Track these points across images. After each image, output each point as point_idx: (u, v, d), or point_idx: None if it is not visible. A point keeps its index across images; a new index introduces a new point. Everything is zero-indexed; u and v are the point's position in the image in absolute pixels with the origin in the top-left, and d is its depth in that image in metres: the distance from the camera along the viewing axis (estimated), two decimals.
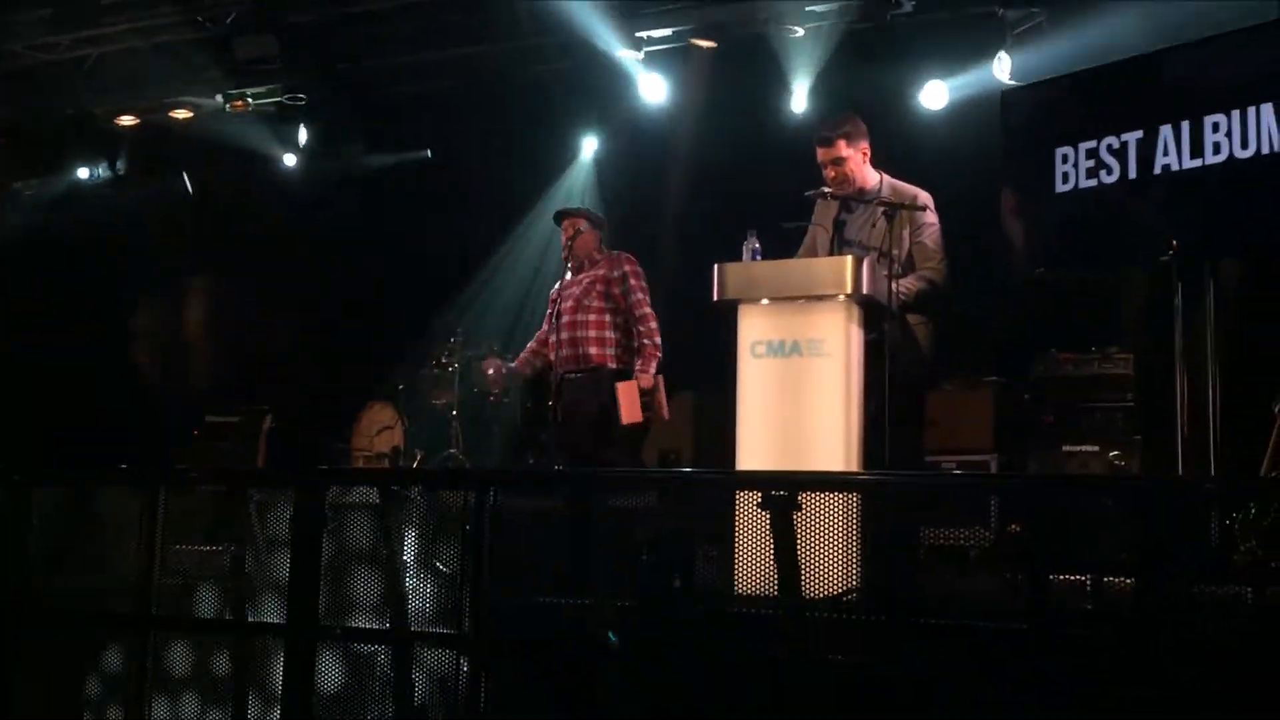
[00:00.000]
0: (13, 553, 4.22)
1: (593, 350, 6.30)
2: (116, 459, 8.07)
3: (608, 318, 6.34)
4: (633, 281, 6.36)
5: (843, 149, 5.32)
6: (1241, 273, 5.69)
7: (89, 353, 9.59)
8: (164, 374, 9.99)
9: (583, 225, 6.53)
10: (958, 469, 6.89)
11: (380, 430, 8.37)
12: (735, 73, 7.90)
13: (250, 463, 8.27)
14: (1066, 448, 6.80)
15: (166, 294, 9.95)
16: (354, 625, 3.88)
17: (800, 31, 7.58)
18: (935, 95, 7.66)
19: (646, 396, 6.20)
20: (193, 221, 9.78)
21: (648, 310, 6.34)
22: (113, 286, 9.70)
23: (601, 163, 8.65)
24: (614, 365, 6.31)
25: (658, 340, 6.30)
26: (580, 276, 6.46)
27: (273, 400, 8.78)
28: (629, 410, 6.13)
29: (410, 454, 8.20)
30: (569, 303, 6.34)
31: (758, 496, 3.68)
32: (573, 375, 6.31)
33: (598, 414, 6.21)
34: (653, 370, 6.24)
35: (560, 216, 6.72)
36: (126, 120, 9.14)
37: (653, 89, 8.09)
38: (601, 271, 6.42)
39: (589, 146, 8.97)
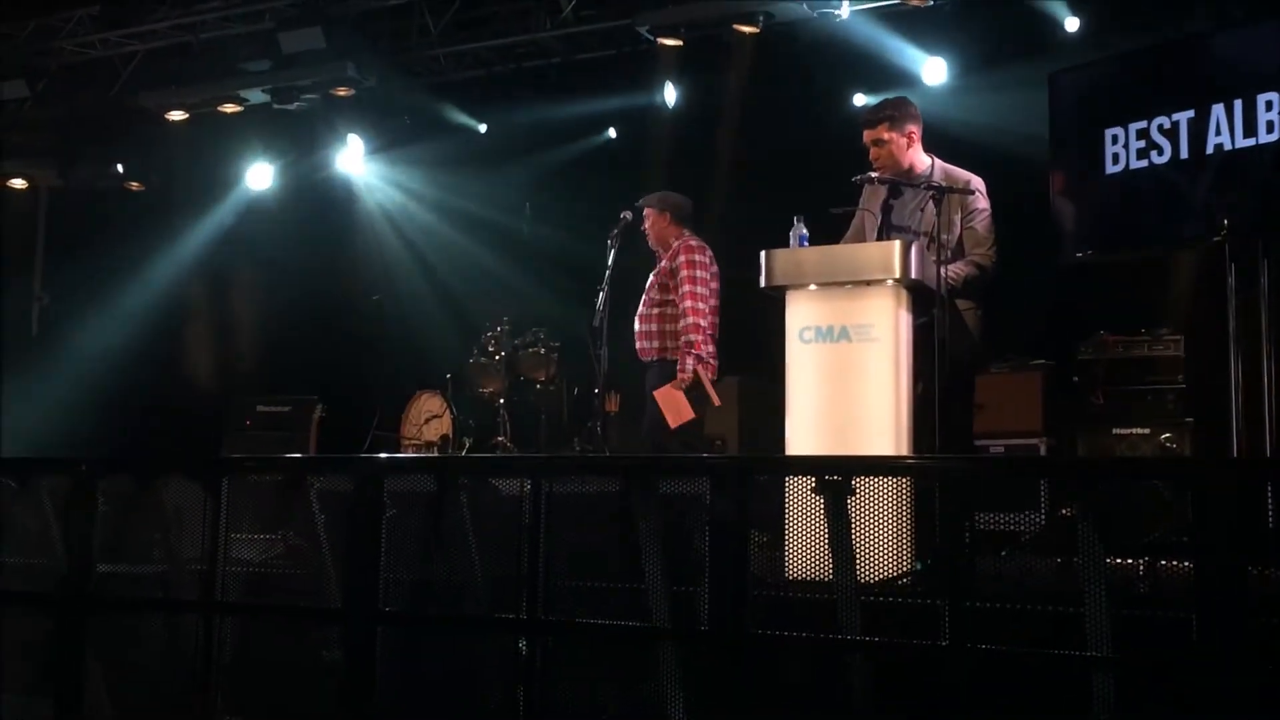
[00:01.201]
0: (79, 540, 4.31)
1: (648, 344, 6.34)
2: (168, 448, 8.26)
3: (657, 310, 6.32)
4: (683, 273, 6.26)
5: (884, 132, 5.30)
6: None
7: (140, 341, 9.76)
8: (215, 363, 10.14)
9: (651, 215, 6.50)
10: (1005, 452, 6.88)
11: (429, 419, 8.44)
12: (782, 57, 7.88)
13: (302, 452, 8.37)
14: (1117, 430, 6.76)
15: (217, 284, 10.08)
16: (414, 611, 3.94)
17: (844, 14, 7.55)
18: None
19: (694, 392, 6.15)
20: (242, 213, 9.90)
21: (689, 304, 6.21)
22: (168, 275, 9.86)
23: (644, 149, 8.65)
24: (659, 358, 6.33)
25: (693, 337, 6.16)
26: (658, 265, 6.47)
27: (323, 390, 8.88)
28: (673, 415, 6.12)
29: (459, 442, 8.26)
30: (646, 294, 6.39)
31: (809, 481, 3.69)
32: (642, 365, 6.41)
33: (650, 412, 6.26)
34: (689, 366, 6.14)
35: (640, 209, 6.63)
36: (176, 115, 9.26)
37: (697, 75, 8.12)
38: (664, 264, 6.41)
39: (632, 131, 8.98)
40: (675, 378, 6.17)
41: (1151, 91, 5.48)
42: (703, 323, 6.20)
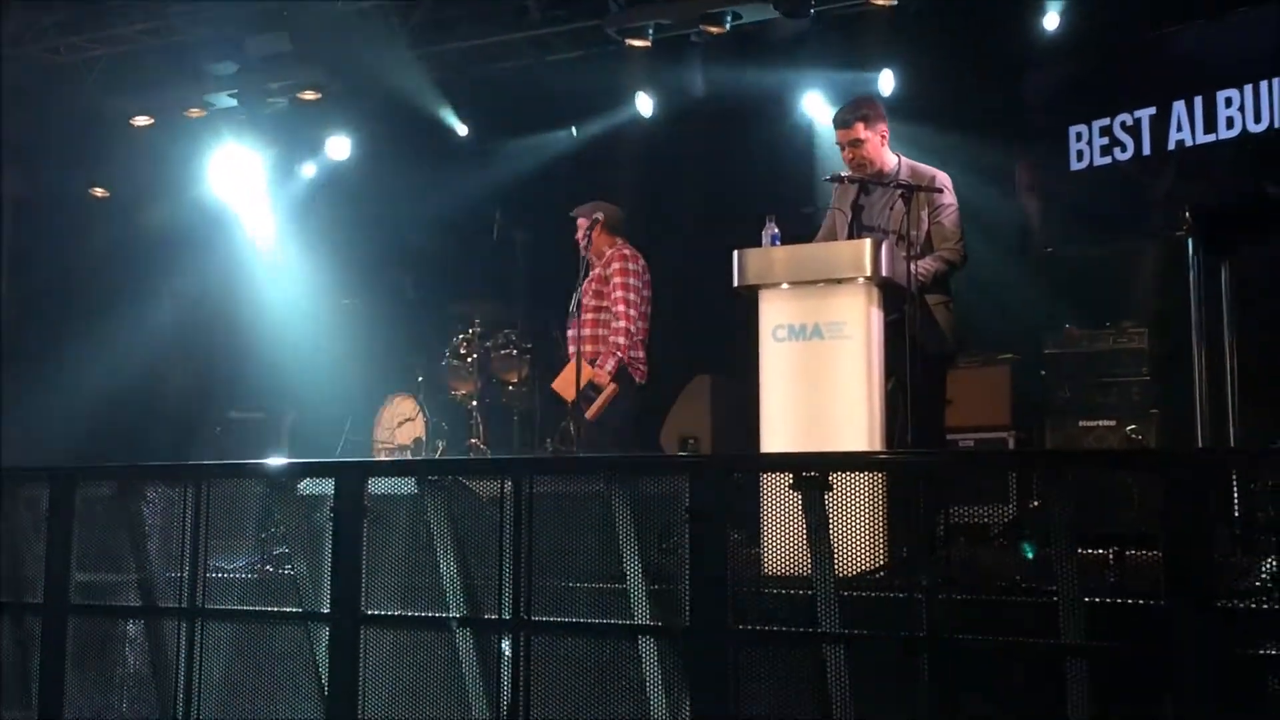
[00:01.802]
0: (60, 545, 4.31)
1: (587, 348, 6.51)
2: (140, 456, 8.20)
3: (591, 317, 6.54)
4: (616, 279, 6.52)
5: (861, 131, 5.38)
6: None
7: (111, 350, 9.68)
8: (185, 371, 10.07)
9: (583, 224, 6.67)
10: (974, 446, 6.96)
11: (402, 422, 8.44)
12: (749, 58, 7.94)
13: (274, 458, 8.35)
14: (1083, 423, 6.87)
15: (188, 291, 10.02)
16: (397, 613, 3.97)
17: (809, 14, 7.59)
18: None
19: (593, 391, 6.38)
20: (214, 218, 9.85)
21: (621, 309, 6.47)
22: (135, 283, 9.79)
23: (616, 151, 8.69)
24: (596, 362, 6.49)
25: (620, 340, 6.42)
26: (592, 273, 6.62)
27: (294, 395, 8.86)
28: (565, 390, 6.45)
29: (432, 445, 8.27)
30: (579, 301, 6.54)
31: (786, 478, 3.74)
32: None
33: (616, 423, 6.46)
34: (609, 367, 6.38)
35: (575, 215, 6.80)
36: (141, 121, 9.21)
37: (665, 76, 8.15)
38: (598, 271, 6.61)
39: (603, 132, 9.01)
40: (628, 387, 6.45)
41: (1114, 89, 5.58)
42: (632, 328, 6.44)
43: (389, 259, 9.30)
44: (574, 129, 9.00)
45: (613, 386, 6.43)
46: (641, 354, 6.56)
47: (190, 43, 8.89)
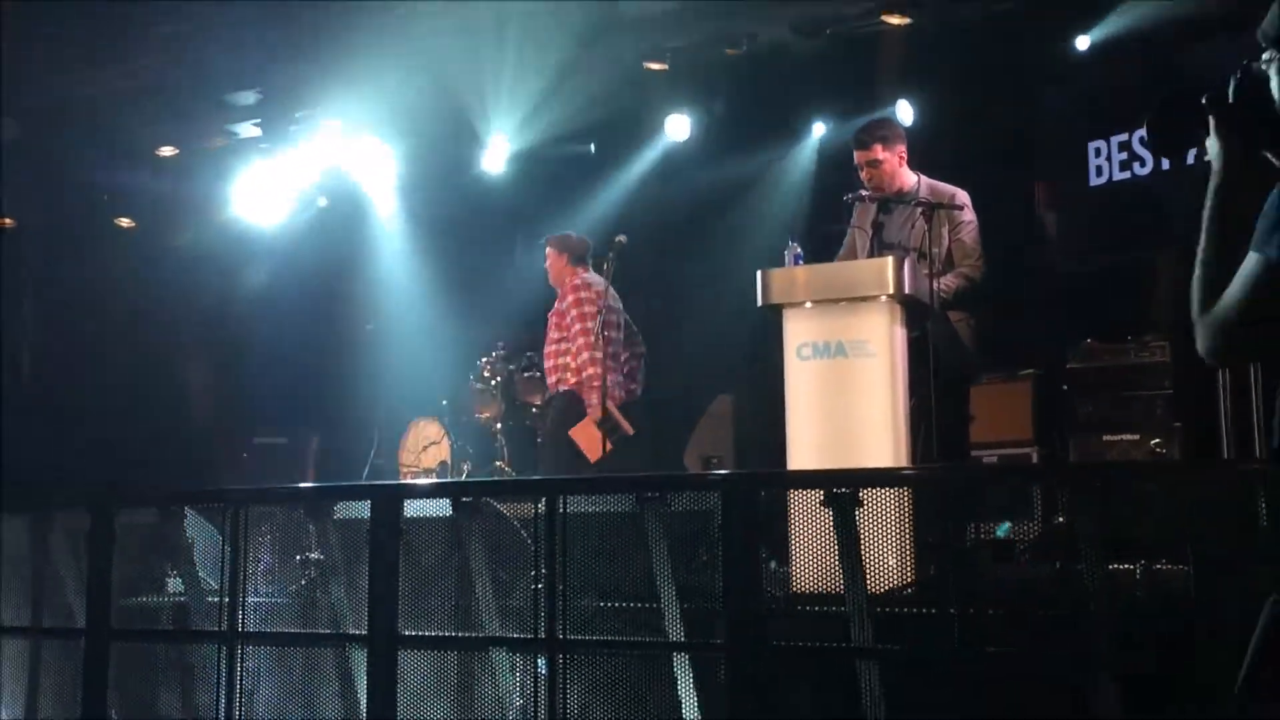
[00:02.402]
0: (100, 569, 4.37)
1: (551, 377, 6.71)
2: (167, 481, 8.27)
3: (554, 348, 6.71)
4: (572, 312, 6.64)
5: (879, 152, 5.43)
6: None
7: (139, 376, 9.77)
8: (212, 397, 10.16)
9: (551, 254, 6.87)
10: (998, 461, 6.97)
11: (427, 446, 8.49)
12: (769, 79, 7.99)
13: (300, 482, 8.41)
14: (1107, 437, 6.86)
15: (212, 317, 10.12)
16: (433, 633, 4.02)
17: (825, 36, 7.65)
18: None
19: (605, 424, 6.38)
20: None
21: (581, 341, 6.55)
22: (162, 311, 9.88)
23: (640, 173, 8.75)
24: (560, 390, 6.68)
25: (591, 371, 6.46)
26: (556, 305, 6.82)
27: (319, 419, 8.93)
28: (589, 449, 6.41)
29: (457, 468, 8.31)
30: (547, 333, 6.79)
31: (815, 495, 3.78)
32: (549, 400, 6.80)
33: (565, 441, 6.53)
34: (595, 401, 6.41)
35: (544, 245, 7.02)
36: (167, 151, 9.32)
37: (687, 98, 8.20)
38: (558, 304, 6.78)
39: (623, 154, 9.06)
40: (578, 408, 6.50)
41: (1132, 105, 5.61)
42: (598, 355, 6.46)
43: (411, 282, 9.38)
44: (591, 146, 9.05)
45: (626, 429, 6.46)
46: (619, 376, 6.63)
47: (211, 74, 9.01)
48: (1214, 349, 2.00)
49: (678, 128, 8.42)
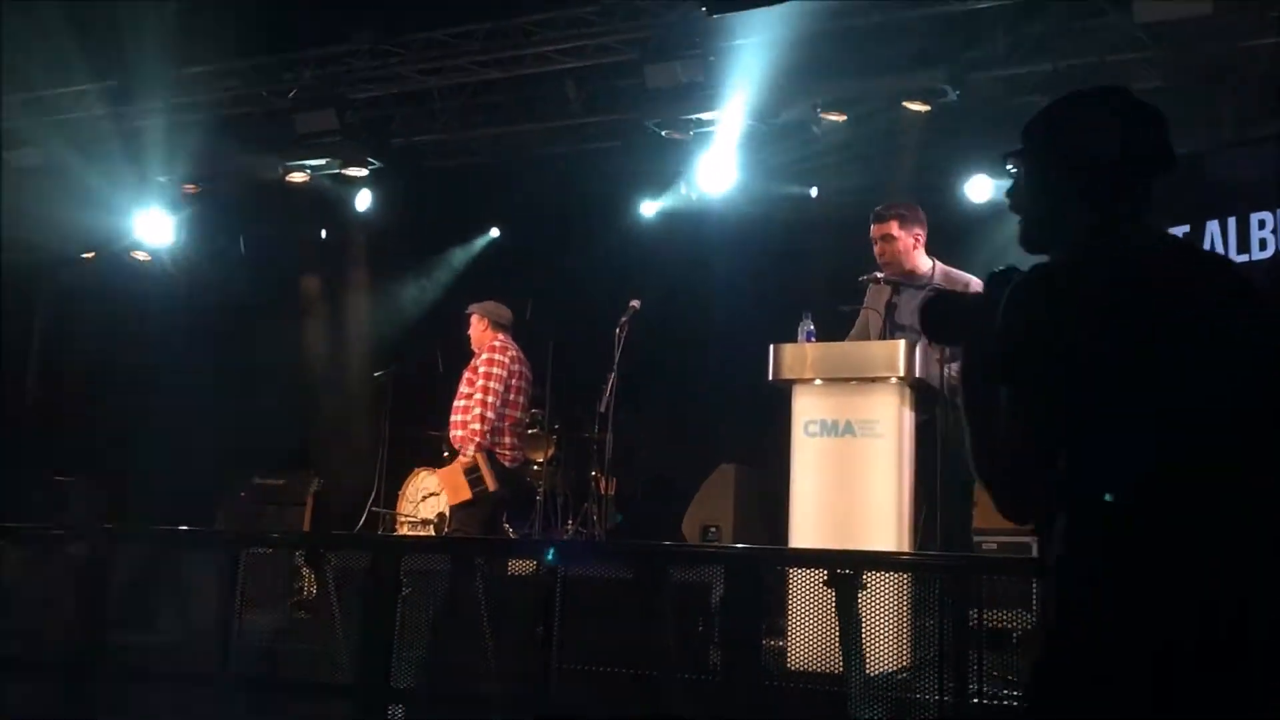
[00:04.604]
0: (95, 606, 4.34)
1: (455, 433, 6.92)
2: (164, 519, 8.24)
3: (463, 404, 6.91)
4: (482, 369, 6.90)
5: (894, 229, 5.45)
6: None
7: (136, 412, 9.76)
8: (210, 435, 10.12)
9: (474, 320, 7.14)
10: (998, 549, 6.93)
11: (425, 496, 8.45)
12: (788, 153, 8.07)
13: (295, 527, 8.38)
14: None
15: (213, 354, 10.12)
16: (426, 687, 3.98)
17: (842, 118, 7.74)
18: (980, 189, 7.79)
19: (471, 475, 6.70)
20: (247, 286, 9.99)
21: (479, 397, 6.81)
22: (162, 347, 9.89)
23: (656, 241, 8.81)
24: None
25: (477, 426, 6.72)
26: (472, 361, 7.04)
27: (320, 464, 8.90)
28: (451, 493, 6.90)
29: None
30: (459, 390, 7.00)
31: (817, 574, 3.77)
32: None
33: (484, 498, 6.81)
34: (469, 450, 6.73)
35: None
36: (189, 188, 9.41)
37: (707, 170, 8.27)
38: (473, 360, 7.02)
39: (636, 222, 9.14)
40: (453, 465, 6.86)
41: None
42: (489, 414, 6.76)
43: (419, 333, 9.41)
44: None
45: (490, 484, 6.75)
46: (509, 439, 6.88)
47: (241, 115, 9.13)
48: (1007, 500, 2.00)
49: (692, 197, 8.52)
